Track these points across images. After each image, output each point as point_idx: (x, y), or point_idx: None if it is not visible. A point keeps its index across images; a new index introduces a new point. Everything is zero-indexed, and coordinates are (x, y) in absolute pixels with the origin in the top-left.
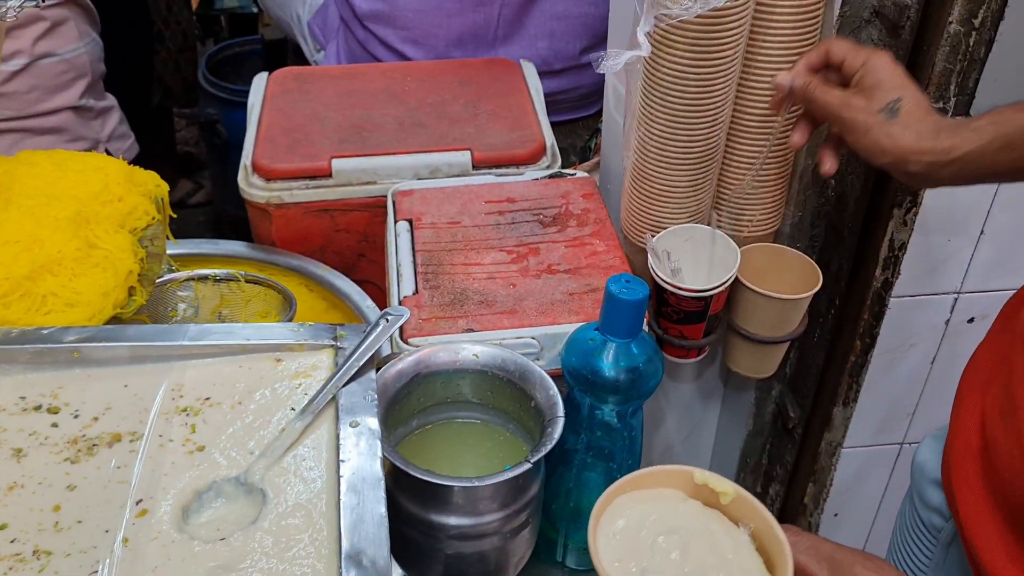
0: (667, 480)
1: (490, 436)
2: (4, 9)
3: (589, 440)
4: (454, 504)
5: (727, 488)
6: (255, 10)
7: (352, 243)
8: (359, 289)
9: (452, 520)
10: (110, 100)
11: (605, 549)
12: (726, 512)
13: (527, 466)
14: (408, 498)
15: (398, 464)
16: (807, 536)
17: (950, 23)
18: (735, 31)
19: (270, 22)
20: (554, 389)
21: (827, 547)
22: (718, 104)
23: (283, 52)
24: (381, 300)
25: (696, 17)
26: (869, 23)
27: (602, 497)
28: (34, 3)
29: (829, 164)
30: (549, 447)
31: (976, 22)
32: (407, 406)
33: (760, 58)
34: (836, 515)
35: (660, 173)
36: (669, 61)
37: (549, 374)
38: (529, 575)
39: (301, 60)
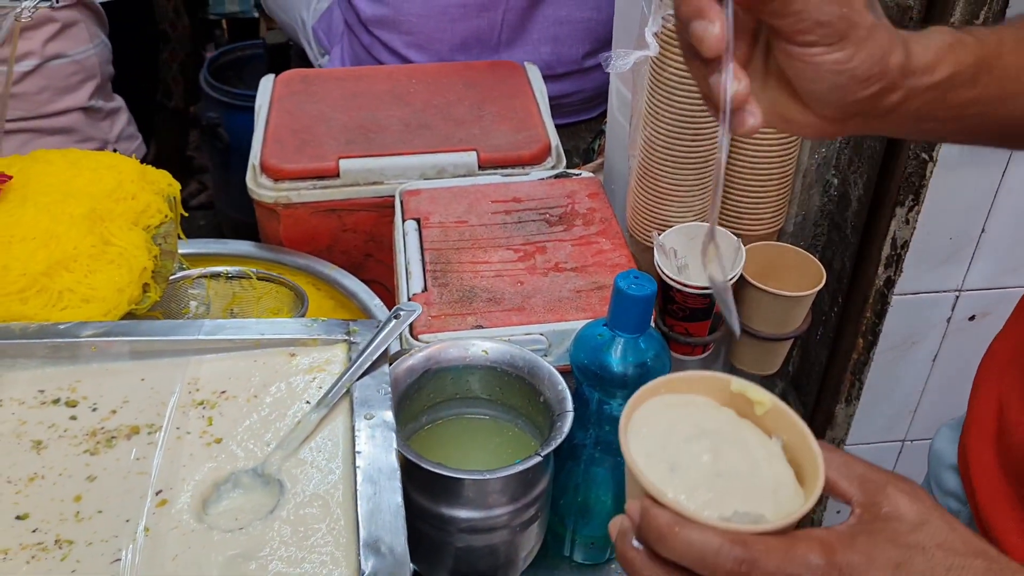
0: (701, 386)
1: (499, 432)
2: (19, 9)
3: (597, 435)
4: (465, 497)
5: (763, 398)
6: (255, 15)
7: (359, 243)
8: (367, 288)
9: (462, 513)
10: (118, 101)
11: (636, 445)
12: (759, 423)
13: (537, 459)
14: (419, 492)
15: (410, 457)
16: (839, 453)
17: (952, 23)
18: None
19: (273, 26)
20: (563, 384)
21: (859, 466)
22: None
23: (286, 56)
24: (388, 300)
25: None
26: None
27: (635, 395)
28: (48, 3)
29: (756, 117)
30: (559, 441)
31: (978, 23)
32: (417, 402)
33: None
34: (838, 512)
35: (666, 172)
36: (676, 62)
37: (557, 370)
38: (537, 569)
39: (305, 64)
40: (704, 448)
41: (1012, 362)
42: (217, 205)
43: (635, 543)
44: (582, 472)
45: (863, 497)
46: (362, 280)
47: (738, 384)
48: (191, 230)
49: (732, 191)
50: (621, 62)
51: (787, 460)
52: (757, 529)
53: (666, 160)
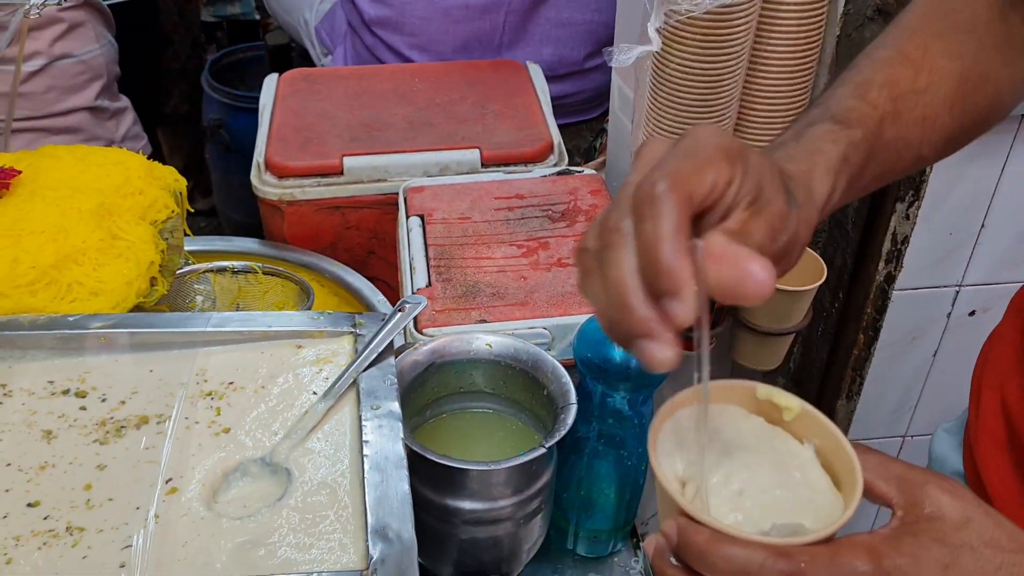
0: (727, 395)
1: (502, 425)
2: (27, 6)
3: (600, 428)
4: (469, 489)
5: (791, 403)
6: (256, 17)
7: (362, 240)
8: (370, 285)
9: (467, 505)
10: (124, 101)
11: (667, 464)
12: (789, 429)
13: (541, 451)
14: (423, 483)
15: (415, 449)
16: (875, 454)
17: None
18: (743, 27)
19: (273, 28)
20: (566, 377)
21: (896, 466)
22: (725, 100)
23: (287, 57)
24: (391, 297)
25: (705, 13)
26: (872, 20)
27: (661, 410)
28: (56, 2)
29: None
30: (563, 432)
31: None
32: (421, 395)
33: (766, 54)
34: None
35: None
36: (678, 57)
37: (561, 364)
38: (540, 562)
39: (307, 65)
40: (737, 463)
41: (1015, 369)
42: (219, 207)
43: (673, 561)
44: (585, 466)
45: (903, 498)
46: (365, 277)
47: (764, 391)
48: (192, 232)
49: None
50: (624, 56)
51: (821, 465)
52: (799, 541)
53: None
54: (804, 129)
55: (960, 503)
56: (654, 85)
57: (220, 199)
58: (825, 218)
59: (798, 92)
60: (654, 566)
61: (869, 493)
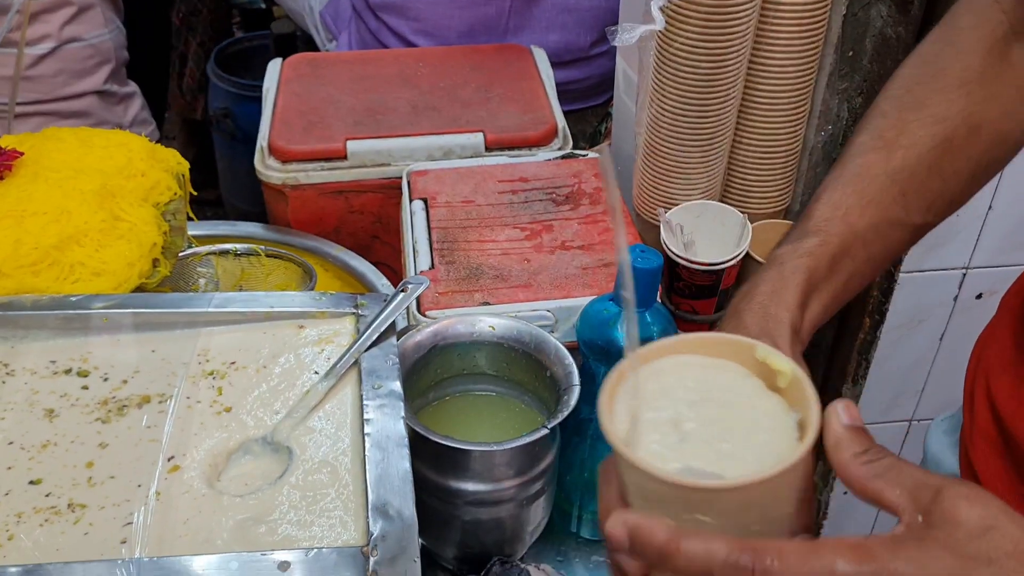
0: (727, 350)
1: (505, 407)
2: None
3: None
4: (472, 470)
5: (784, 368)
6: (263, 5)
7: (366, 224)
8: (374, 268)
9: (469, 486)
10: (132, 86)
11: (624, 400)
12: (785, 396)
13: (544, 431)
14: (426, 465)
15: (418, 430)
16: (890, 459)
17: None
18: (747, 7)
19: (280, 16)
20: (569, 359)
21: (912, 471)
22: (729, 79)
23: (292, 46)
24: (395, 281)
25: None
26: (879, 0)
27: (657, 345)
28: None
29: None
30: (566, 413)
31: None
32: (424, 378)
33: (771, 34)
34: (846, 492)
35: (672, 149)
36: (682, 36)
37: (563, 346)
38: (544, 544)
39: (312, 51)
40: (700, 413)
41: (1006, 366)
42: (224, 196)
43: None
44: (588, 448)
45: (912, 504)
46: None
47: (763, 351)
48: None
49: (739, 169)
50: (627, 35)
51: (798, 439)
52: (700, 484)
53: (672, 137)
54: (773, 259)
55: (980, 510)
56: (658, 65)
57: (225, 188)
58: (831, 313)
59: (803, 72)
60: (612, 559)
61: (878, 501)
